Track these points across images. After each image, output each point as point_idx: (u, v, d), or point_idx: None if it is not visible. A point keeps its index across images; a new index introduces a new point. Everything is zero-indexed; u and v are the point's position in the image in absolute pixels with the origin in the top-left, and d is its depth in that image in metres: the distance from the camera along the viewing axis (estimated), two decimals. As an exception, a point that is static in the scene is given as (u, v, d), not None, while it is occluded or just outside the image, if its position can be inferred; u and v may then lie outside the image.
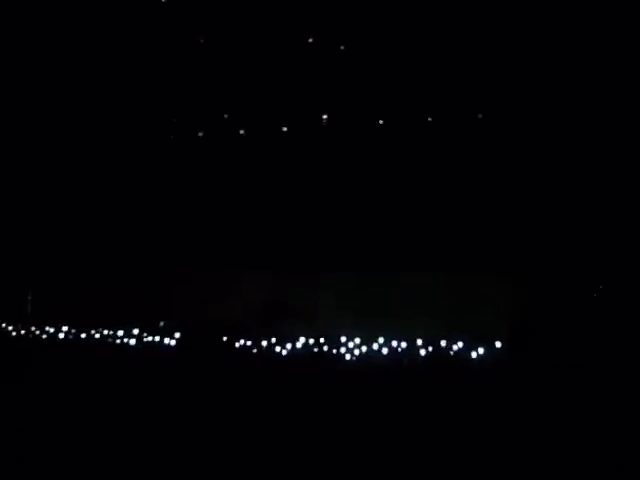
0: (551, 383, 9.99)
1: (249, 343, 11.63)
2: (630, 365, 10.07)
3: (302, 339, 11.49)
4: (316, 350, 11.40)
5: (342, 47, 11.24)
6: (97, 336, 12.34)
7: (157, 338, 11.99)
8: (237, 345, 11.66)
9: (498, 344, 10.88)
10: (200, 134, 11.96)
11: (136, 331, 12.09)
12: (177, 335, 11.89)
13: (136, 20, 11.57)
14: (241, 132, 11.79)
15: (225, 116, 11.76)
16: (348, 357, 11.23)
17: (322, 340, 11.46)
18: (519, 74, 11.05)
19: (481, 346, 10.93)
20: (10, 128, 12.28)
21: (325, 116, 11.61)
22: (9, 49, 11.86)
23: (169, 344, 11.89)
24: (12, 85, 12.06)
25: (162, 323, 12.08)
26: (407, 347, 11.18)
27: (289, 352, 11.43)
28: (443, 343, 11.08)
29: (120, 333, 12.16)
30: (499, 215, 11.31)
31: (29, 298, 12.73)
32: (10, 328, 12.74)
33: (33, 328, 12.61)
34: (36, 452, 8.60)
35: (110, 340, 12.17)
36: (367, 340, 11.33)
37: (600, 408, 9.46)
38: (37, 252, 12.59)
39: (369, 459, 8.78)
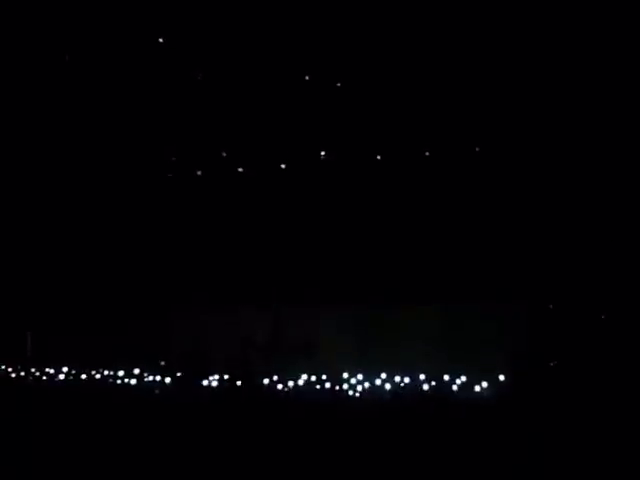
0: (555, 414, 9.96)
1: (251, 381, 11.58)
2: (632, 394, 10.05)
3: (304, 376, 11.44)
4: (318, 387, 11.35)
5: (338, 84, 11.27)
6: (97, 376, 12.28)
7: (158, 377, 11.93)
8: (238, 383, 11.61)
9: (501, 377, 10.85)
10: (199, 172, 11.97)
11: (137, 371, 12.03)
12: (178, 375, 11.85)
13: (135, 58, 11.59)
14: (240, 170, 11.80)
15: (223, 154, 11.78)
16: (351, 393, 11.19)
17: (324, 377, 11.41)
18: (514, 106, 11.08)
19: (484, 380, 10.89)
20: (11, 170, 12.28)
21: (323, 152, 11.64)
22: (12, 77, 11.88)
23: (169, 383, 11.84)
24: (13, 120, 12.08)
25: (163, 362, 12.03)
26: (410, 382, 11.14)
27: (291, 389, 11.38)
28: (446, 377, 11.04)
29: (120, 373, 12.10)
30: (498, 247, 11.32)
31: (28, 340, 12.68)
32: (10, 370, 12.68)
33: (33, 370, 12.55)
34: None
35: (111, 380, 12.11)
36: (369, 376, 11.28)
37: (604, 436, 9.43)
38: (36, 294, 12.55)
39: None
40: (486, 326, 11.10)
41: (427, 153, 11.37)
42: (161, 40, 11.25)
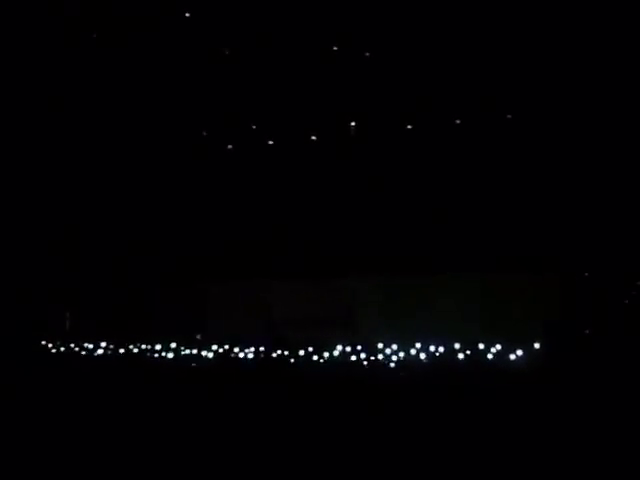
0: (587, 385, 9.93)
1: (286, 353, 11.65)
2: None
3: (339, 347, 11.48)
4: (354, 358, 11.39)
5: (367, 54, 11.21)
6: (135, 351, 12.41)
7: (194, 351, 12.04)
8: (274, 355, 11.69)
9: (536, 345, 10.82)
10: (229, 146, 11.98)
11: (174, 345, 12.14)
12: (214, 348, 11.94)
13: (162, 33, 11.60)
14: (270, 142, 11.81)
15: (253, 127, 11.78)
16: (387, 363, 11.22)
17: (359, 347, 11.44)
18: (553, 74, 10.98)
19: (519, 348, 10.87)
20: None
21: (353, 123, 11.60)
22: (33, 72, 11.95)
23: (207, 356, 11.94)
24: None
25: (199, 336, 12.12)
26: (445, 351, 11.14)
27: (327, 360, 11.44)
28: (481, 346, 11.03)
29: (158, 347, 12.22)
30: (531, 215, 11.24)
31: (67, 315, 12.83)
32: (50, 345, 12.85)
33: (72, 345, 12.71)
34: (76, 468, 8.68)
35: (148, 355, 12.24)
36: (404, 346, 11.30)
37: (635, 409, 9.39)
38: (74, 269, 12.68)
39: (414, 464, 8.79)
40: (520, 295, 11.05)
41: (458, 121, 11.29)
42: (188, 15, 11.25)
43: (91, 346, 12.61)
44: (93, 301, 12.67)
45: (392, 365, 11.21)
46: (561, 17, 10.75)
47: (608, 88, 10.71)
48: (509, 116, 11.19)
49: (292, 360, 11.59)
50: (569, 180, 11.08)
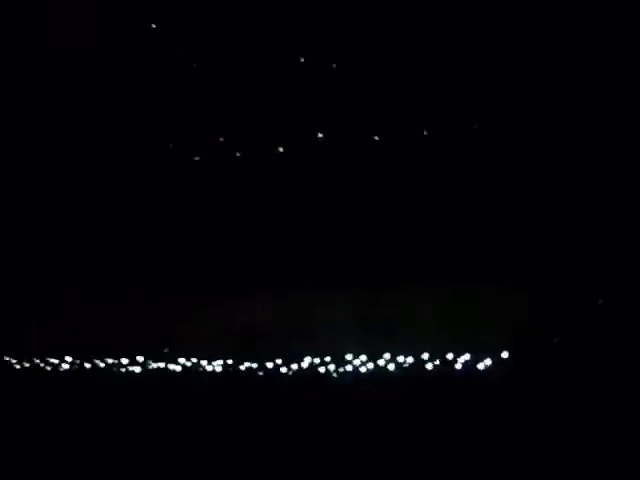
0: (556, 393, 10.01)
1: (254, 365, 11.60)
2: (634, 373, 10.09)
3: (307, 359, 11.45)
4: (322, 370, 11.37)
5: (334, 65, 11.24)
6: (102, 365, 12.30)
7: (162, 365, 11.95)
8: (242, 368, 11.64)
9: (505, 354, 10.87)
10: (196, 158, 11.95)
11: (141, 359, 12.04)
12: (181, 361, 11.87)
13: (129, 44, 11.57)
14: (237, 154, 11.79)
15: (221, 139, 11.76)
16: (354, 375, 11.21)
17: (327, 359, 11.42)
18: (518, 85, 11.06)
19: (488, 357, 10.91)
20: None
21: (320, 135, 11.61)
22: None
23: (174, 370, 11.86)
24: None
25: (166, 349, 12.04)
26: (413, 362, 11.15)
27: (295, 372, 11.40)
28: (450, 356, 11.05)
29: (125, 361, 12.12)
30: (497, 226, 11.30)
31: (30, 329, 12.68)
32: (13, 361, 12.69)
33: (37, 360, 12.56)
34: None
35: (115, 369, 12.12)
36: (373, 357, 11.30)
37: (607, 415, 9.49)
38: (37, 283, 12.55)
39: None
40: (487, 307, 11.10)
41: (425, 132, 11.34)
42: (154, 26, 11.22)
43: (56, 361, 12.47)
44: (58, 314, 12.54)
45: (361, 376, 11.21)
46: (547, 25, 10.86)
47: (589, 105, 10.83)
48: (475, 127, 11.25)
49: (260, 373, 11.55)
50: (536, 191, 11.15)
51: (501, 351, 10.81)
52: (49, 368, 12.47)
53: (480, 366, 10.89)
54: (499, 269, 11.02)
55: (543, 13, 10.80)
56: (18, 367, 12.63)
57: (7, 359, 12.61)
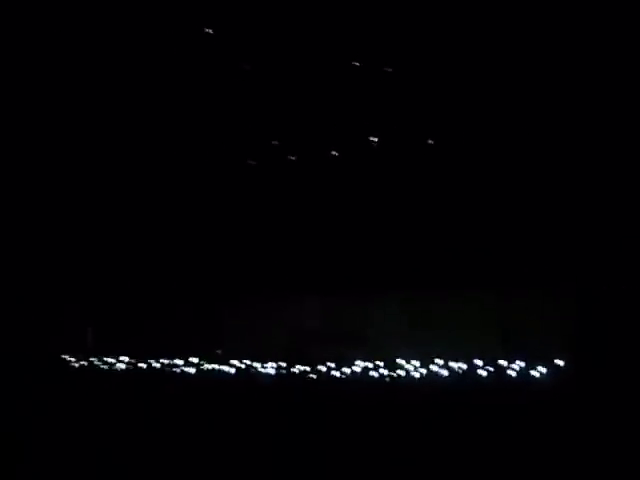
0: (615, 396, 9.84)
1: (307, 368, 11.63)
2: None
3: (360, 363, 11.44)
4: (375, 374, 11.35)
5: (389, 69, 11.21)
6: (157, 366, 12.43)
7: (215, 366, 12.05)
8: (294, 371, 11.67)
9: (559, 362, 10.74)
10: (252, 162, 12.00)
11: (195, 360, 12.15)
12: (236, 363, 11.94)
13: (184, 48, 11.64)
14: (292, 158, 11.82)
15: (275, 143, 11.81)
16: (408, 379, 11.16)
17: (380, 363, 11.40)
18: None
19: (541, 364, 10.79)
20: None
21: (375, 139, 11.59)
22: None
23: (228, 372, 11.94)
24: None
25: (219, 351, 12.13)
26: (467, 368, 11.08)
27: (348, 376, 11.40)
28: (503, 362, 10.96)
29: (179, 362, 12.23)
30: (546, 230, 11.18)
31: (90, 330, 12.87)
32: (72, 359, 12.89)
33: (94, 359, 12.75)
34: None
35: (169, 370, 12.25)
36: (425, 362, 11.25)
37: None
38: (97, 286, 12.72)
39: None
40: (539, 311, 10.98)
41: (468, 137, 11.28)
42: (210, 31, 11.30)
43: (112, 360, 12.63)
44: (114, 316, 12.70)
45: (414, 381, 11.16)
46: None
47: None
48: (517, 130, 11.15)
49: (314, 376, 11.57)
50: (582, 194, 11.01)
51: (554, 358, 10.70)
52: (106, 367, 12.66)
53: (534, 372, 10.78)
54: (549, 275, 10.92)
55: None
56: (76, 365, 12.83)
57: (65, 357, 12.82)
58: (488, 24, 10.94)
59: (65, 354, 12.86)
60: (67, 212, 12.57)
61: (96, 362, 12.69)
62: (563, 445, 9.11)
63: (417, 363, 11.30)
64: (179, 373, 12.20)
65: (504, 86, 10.98)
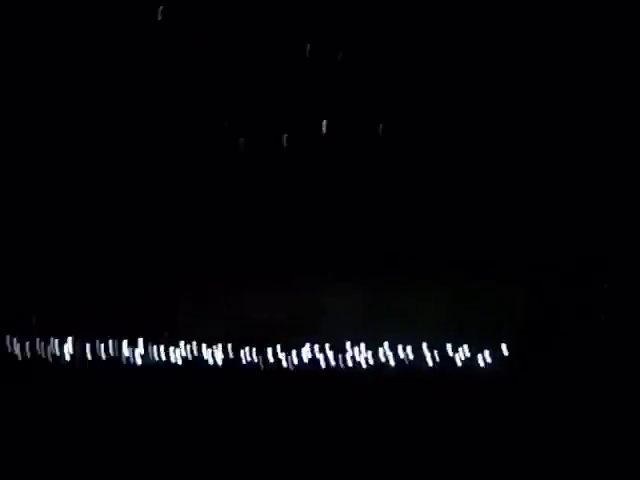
0: (557, 385, 10.04)
1: (254, 351, 11.64)
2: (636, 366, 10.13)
3: (307, 346, 11.48)
4: (322, 357, 11.41)
5: (340, 55, 11.19)
6: (102, 346, 12.33)
7: (162, 348, 11.98)
8: (242, 354, 11.68)
9: (504, 348, 10.91)
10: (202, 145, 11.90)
11: (141, 341, 12.07)
12: (181, 344, 11.89)
13: (134, 33, 11.48)
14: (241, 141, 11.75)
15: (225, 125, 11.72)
16: (353, 364, 11.25)
17: (327, 346, 11.46)
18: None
19: (487, 349, 10.95)
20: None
21: (325, 122, 11.57)
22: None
23: (174, 354, 11.90)
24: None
25: (166, 333, 12.07)
26: (413, 352, 11.19)
27: (295, 361, 11.45)
28: (449, 347, 11.09)
29: (125, 343, 12.14)
30: (497, 216, 11.29)
31: (32, 311, 12.71)
32: (15, 340, 12.72)
33: (37, 340, 12.59)
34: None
35: (115, 352, 12.16)
36: (373, 346, 11.33)
37: (606, 410, 9.52)
38: (39, 266, 12.55)
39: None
40: (488, 298, 11.12)
41: (431, 123, 11.31)
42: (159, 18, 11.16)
43: (57, 340, 12.49)
44: (59, 297, 12.56)
45: (361, 368, 11.26)
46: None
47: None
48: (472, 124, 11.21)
49: (260, 359, 11.60)
50: (535, 179, 11.14)
51: (501, 346, 10.86)
52: (49, 347, 12.52)
53: (479, 360, 10.94)
54: (501, 263, 11.04)
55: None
56: (19, 345, 12.67)
57: (8, 338, 12.65)
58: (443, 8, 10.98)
59: (7, 334, 12.70)
60: (15, 190, 12.39)
61: (40, 342, 12.55)
62: (504, 433, 9.31)
63: (364, 348, 11.38)
64: (126, 357, 12.13)
65: (460, 72, 11.04)
